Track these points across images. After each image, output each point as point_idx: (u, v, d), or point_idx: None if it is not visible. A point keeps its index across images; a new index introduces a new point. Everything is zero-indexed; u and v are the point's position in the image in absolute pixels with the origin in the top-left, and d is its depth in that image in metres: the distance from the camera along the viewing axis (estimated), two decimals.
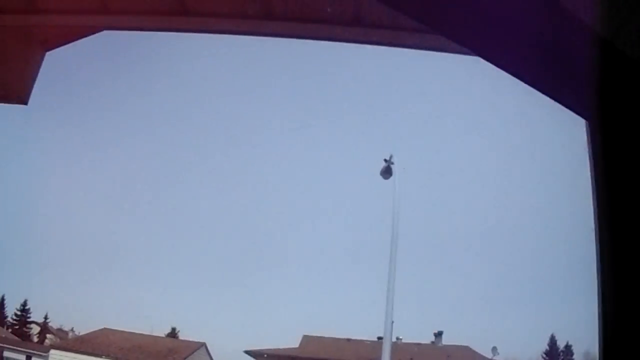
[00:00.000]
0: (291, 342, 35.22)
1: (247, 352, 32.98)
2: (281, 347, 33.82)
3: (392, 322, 23.18)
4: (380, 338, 38.39)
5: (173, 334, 46.90)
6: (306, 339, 35.42)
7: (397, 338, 31.65)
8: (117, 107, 46.09)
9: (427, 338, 37.79)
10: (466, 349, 36.93)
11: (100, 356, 32.42)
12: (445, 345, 37.35)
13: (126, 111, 48.39)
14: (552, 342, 58.58)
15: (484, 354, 35.71)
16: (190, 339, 37.96)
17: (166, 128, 53.95)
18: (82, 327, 38.56)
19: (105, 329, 35.32)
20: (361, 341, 36.32)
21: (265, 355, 32.34)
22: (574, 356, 60.20)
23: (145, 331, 38.76)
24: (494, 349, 34.87)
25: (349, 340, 36.20)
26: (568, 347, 58.67)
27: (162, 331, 44.55)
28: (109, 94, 46.45)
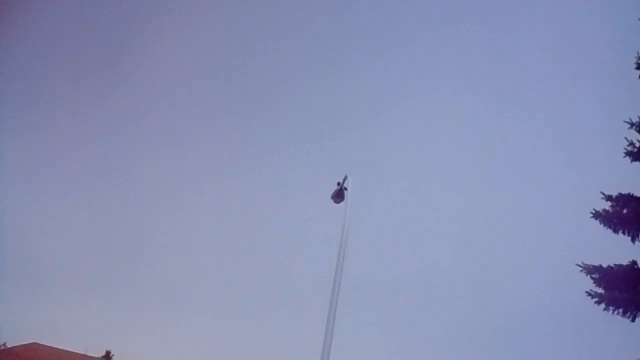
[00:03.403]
0: None
1: None
2: None
3: None
4: None
5: (107, 357, 46.00)
6: None
7: None
8: None
9: None
10: None
11: None
12: None
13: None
14: None
15: None
16: None
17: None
18: (16, 342, 37.48)
19: (35, 343, 34.41)
20: None
21: None
22: None
23: (79, 350, 37.98)
24: None
25: None
26: None
27: (96, 353, 43.62)
28: None
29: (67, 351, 35.03)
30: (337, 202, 12.50)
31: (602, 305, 14.65)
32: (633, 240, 14.94)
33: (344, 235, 11.71)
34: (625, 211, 15.15)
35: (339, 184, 12.49)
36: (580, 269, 15.25)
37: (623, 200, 15.27)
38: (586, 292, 14.99)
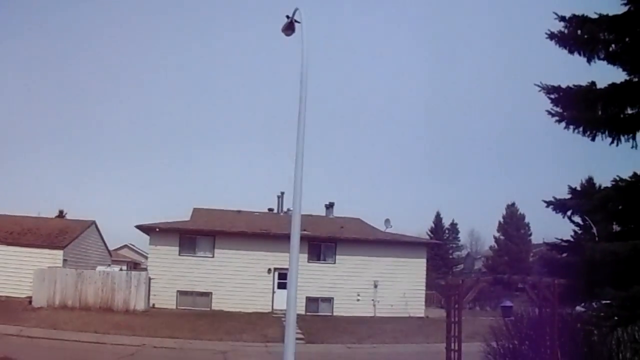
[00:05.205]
0: (181, 215, 35.86)
1: (139, 227, 33.16)
2: (172, 220, 34.31)
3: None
4: (270, 209, 40.06)
5: (61, 215, 46.26)
6: (197, 212, 36.10)
7: (288, 209, 33.16)
8: None
9: (318, 210, 39.41)
10: (357, 220, 39.16)
11: None
12: (336, 217, 39.27)
13: None
14: (438, 219, 63.19)
15: (375, 226, 38.13)
16: (80, 219, 37.64)
17: None
18: None
19: None
20: (251, 212, 37.57)
21: (157, 230, 32.64)
22: (459, 234, 65.66)
23: (32, 214, 38.01)
24: (387, 221, 37.39)
25: (239, 211, 37.28)
26: (453, 225, 63.71)
27: (49, 214, 43.78)
28: None
29: (23, 217, 34.99)
30: (287, 34, 13.02)
31: (563, 124, 15.38)
32: (589, 61, 15.16)
33: (303, 67, 12.12)
34: (579, 32, 15.50)
35: (288, 17, 12.91)
36: (539, 88, 15.60)
37: (577, 21, 15.48)
38: (546, 110, 15.45)
